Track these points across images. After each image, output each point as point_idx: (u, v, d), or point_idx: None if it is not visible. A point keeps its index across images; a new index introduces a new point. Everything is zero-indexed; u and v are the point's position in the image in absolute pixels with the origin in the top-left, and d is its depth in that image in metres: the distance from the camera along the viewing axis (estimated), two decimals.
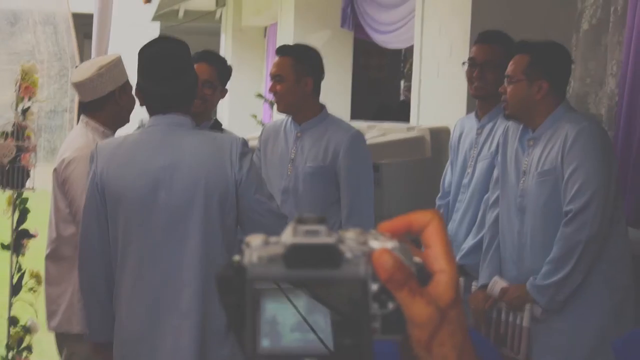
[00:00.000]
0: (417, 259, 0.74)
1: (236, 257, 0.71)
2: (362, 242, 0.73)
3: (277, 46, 3.86)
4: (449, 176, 3.86)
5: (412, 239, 0.76)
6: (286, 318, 0.70)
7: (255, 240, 0.72)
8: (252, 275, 0.70)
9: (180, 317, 2.66)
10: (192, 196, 2.65)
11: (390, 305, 0.73)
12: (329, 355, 0.71)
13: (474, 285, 3.43)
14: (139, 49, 2.78)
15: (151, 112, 2.77)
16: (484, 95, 3.69)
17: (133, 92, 3.43)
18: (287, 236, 0.72)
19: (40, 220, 3.99)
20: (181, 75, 2.72)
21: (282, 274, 0.71)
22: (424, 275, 0.74)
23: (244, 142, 2.73)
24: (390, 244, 0.73)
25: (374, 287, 0.72)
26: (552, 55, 3.21)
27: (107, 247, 2.72)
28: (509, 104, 3.21)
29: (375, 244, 0.73)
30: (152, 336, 2.68)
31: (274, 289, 0.70)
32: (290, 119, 3.64)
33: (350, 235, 0.73)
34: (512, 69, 3.21)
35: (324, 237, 0.71)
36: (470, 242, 3.58)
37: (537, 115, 3.18)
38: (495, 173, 3.43)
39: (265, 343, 0.69)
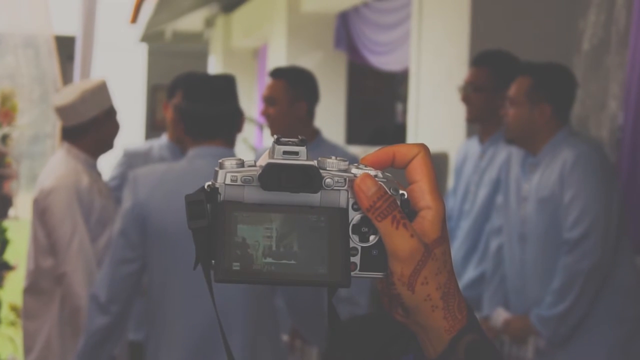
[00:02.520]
0: (402, 191, 0.72)
1: (209, 182, 0.69)
2: (344, 170, 0.70)
3: (268, 68, 3.87)
4: (451, 202, 3.86)
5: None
6: (258, 242, 0.68)
7: (229, 161, 0.69)
8: (224, 197, 0.68)
9: None
10: None
11: (372, 239, 0.70)
12: (301, 282, 0.68)
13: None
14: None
15: (195, 138, 2.70)
16: (473, 118, 3.71)
17: (118, 117, 3.46)
18: (264, 158, 0.69)
19: (22, 251, 3.99)
20: (227, 99, 2.71)
21: (257, 197, 0.68)
22: (408, 211, 0.71)
23: None
24: (373, 172, 0.70)
25: (356, 218, 0.70)
26: (556, 78, 3.22)
27: (134, 285, 2.63)
28: (510, 128, 3.22)
29: (358, 171, 0.70)
30: None
31: (245, 211, 0.68)
32: None
33: (332, 161, 0.70)
34: (514, 91, 3.22)
35: (303, 159, 0.69)
36: (471, 274, 3.58)
37: (538, 139, 3.18)
38: (500, 199, 3.43)
39: (236, 267, 0.67)
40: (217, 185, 0.69)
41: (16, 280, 4.21)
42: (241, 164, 0.69)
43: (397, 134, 9.09)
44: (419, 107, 5.44)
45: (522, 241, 3.21)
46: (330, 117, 8.21)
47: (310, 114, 3.59)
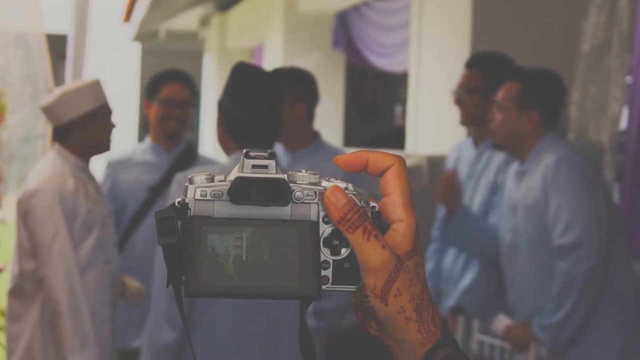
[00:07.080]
0: (373, 204, 0.73)
1: (179, 199, 0.71)
2: (314, 183, 0.72)
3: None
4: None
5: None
6: (228, 252, 0.69)
7: (198, 176, 0.71)
8: (194, 212, 0.70)
9: None
10: None
11: (343, 252, 0.71)
12: (272, 295, 0.70)
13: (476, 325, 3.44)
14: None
15: (239, 143, 2.64)
16: (467, 121, 3.71)
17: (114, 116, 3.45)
18: (234, 172, 0.71)
19: (10, 253, 4.00)
20: (277, 108, 2.65)
21: (227, 211, 0.70)
22: (379, 224, 0.72)
23: None
24: (343, 184, 0.72)
25: (327, 230, 0.71)
26: (545, 84, 3.22)
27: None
28: (498, 133, 3.23)
29: (328, 184, 0.72)
30: None
31: (215, 225, 0.69)
32: (282, 146, 3.64)
33: (302, 175, 0.72)
34: (502, 96, 3.21)
35: (273, 173, 0.70)
36: (468, 280, 3.59)
37: (525, 146, 3.18)
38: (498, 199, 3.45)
39: (205, 281, 0.69)
40: (187, 200, 0.70)
41: (5, 283, 4.22)
42: (211, 178, 0.71)
43: (396, 136, 9.11)
44: (418, 110, 5.46)
45: (515, 250, 3.23)
46: (327, 119, 8.22)
47: (309, 116, 3.59)
